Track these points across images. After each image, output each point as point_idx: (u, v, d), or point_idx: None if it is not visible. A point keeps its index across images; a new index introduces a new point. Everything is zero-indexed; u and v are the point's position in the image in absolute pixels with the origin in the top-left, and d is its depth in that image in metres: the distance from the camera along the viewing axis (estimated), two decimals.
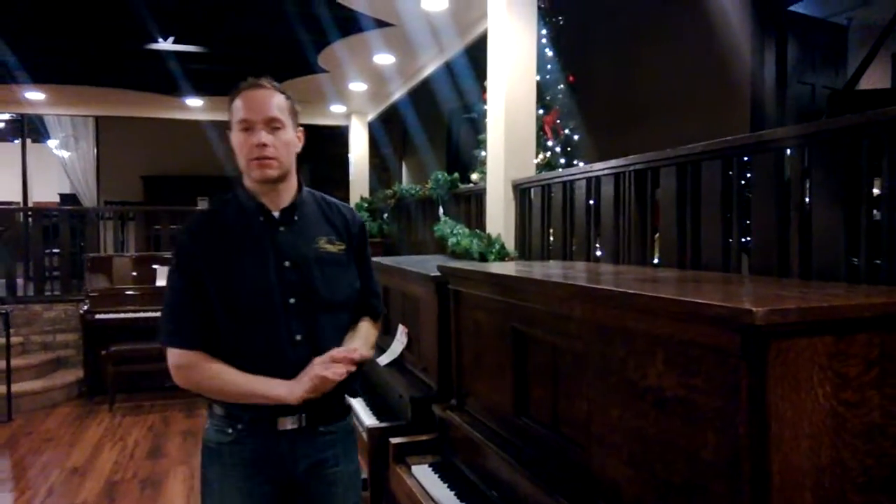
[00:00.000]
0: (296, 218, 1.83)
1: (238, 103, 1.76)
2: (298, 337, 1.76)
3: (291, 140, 1.80)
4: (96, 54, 7.09)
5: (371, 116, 9.47)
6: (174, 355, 1.74)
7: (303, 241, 1.81)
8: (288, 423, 1.76)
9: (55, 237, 8.14)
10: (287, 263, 1.76)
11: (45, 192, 12.12)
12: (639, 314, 1.43)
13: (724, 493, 1.24)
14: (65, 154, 11.31)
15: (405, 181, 11.62)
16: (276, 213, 1.80)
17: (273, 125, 1.75)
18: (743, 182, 2.34)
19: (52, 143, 11.53)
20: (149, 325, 6.57)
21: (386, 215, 7.73)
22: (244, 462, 1.75)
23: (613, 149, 4.26)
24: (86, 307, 6.67)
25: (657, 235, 2.79)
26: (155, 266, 7.16)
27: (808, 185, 2.09)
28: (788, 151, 2.14)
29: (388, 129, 11.25)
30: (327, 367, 1.71)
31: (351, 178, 9.44)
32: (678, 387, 1.35)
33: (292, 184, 1.85)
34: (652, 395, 1.43)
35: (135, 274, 7.11)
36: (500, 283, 2.24)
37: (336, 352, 1.76)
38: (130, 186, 12.28)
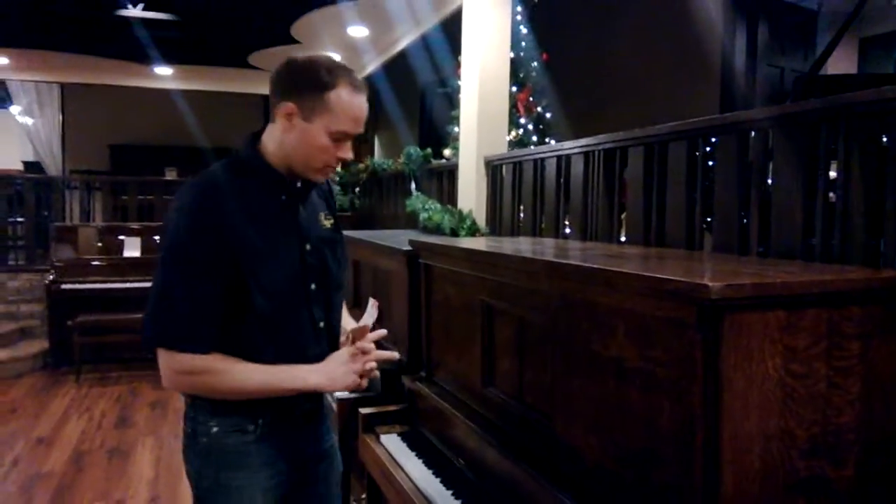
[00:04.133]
0: (309, 196, 1.68)
1: (344, 107, 1.53)
2: (321, 324, 1.66)
3: None
4: (63, 19, 6.91)
5: None
6: (184, 360, 1.47)
7: (314, 220, 1.69)
8: (307, 405, 1.69)
9: (20, 206, 7.98)
10: (308, 246, 1.63)
11: (8, 159, 11.83)
12: (602, 288, 1.48)
13: (679, 459, 1.31)
14: (28, 121, 11.04)
15: (378, 155, 11.57)
16: (298, 185, 1.64)
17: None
18: (710, 163, 2.40)
19: (14, 110, 11.24)
20: (116, 296, 6.51)
21: (358, 189, 7.72)
22: (272, 458, 1.62)
23: (586, 127, 4.31)
24: (51, 277, 6.58)
25: (624, 214, 2.85)
26: (122, 237, 7.07)
27: (770, 167, 2.16)
28: (752, 133, 2.20)
29: None
30: (365, 362, 1.63)
31: None
32: (637, 358, 1.40)
33: None
34: (613, 365, 1.48)
35: (101, 244, 7.02)
36: (471, 257, 2.28)
37: (367, 344, 1.65)
38: (97, 155, 12.05)
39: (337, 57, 7.27)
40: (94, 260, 6.83)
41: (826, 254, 1.91)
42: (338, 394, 2.93)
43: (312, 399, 1.69)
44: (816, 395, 1.31)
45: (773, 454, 1.28)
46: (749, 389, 1.25)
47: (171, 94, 10.17)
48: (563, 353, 1.69)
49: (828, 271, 1.49)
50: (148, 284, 1.57)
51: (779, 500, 1.29)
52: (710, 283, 1.17)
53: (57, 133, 11.15)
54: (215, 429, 1.58)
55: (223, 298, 1.48)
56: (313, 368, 1.59)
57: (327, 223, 1.72)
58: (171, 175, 10.84)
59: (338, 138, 1.55)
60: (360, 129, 1.59)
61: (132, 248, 7.01)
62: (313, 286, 1.64)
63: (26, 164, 11.95)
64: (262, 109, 12.63)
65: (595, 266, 1.49)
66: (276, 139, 1.58)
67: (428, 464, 2.24)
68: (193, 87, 9.71)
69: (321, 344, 1.67)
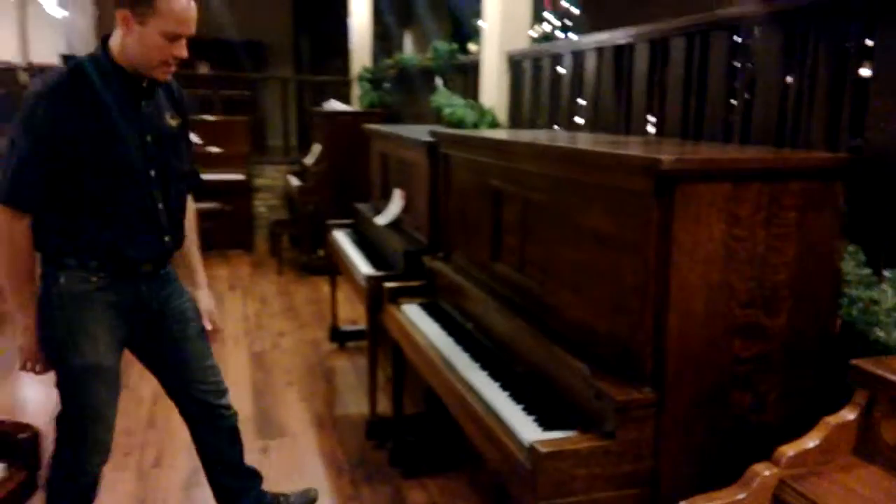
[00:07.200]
0: (154, 95, 2.00)
1: (171, 11, 1.81)
2: (160, 206, 2.00)
3: None
4: None
5: None
6: (7, 215, 1.82)
7: (158, 116, 1.99)
8: (146, 269, 2.04)
9: None
10: (149, 138, 1.94)
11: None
12: (582, 167, 1.72)
13: (637, 308, 1.59)
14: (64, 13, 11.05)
15: (408, 51, 11.53)
16: (143, 84, 1.94)
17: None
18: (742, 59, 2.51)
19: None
20: None
21: (387, 85, 7.83)
22: (112, 304, 1.98)
23: (619, 22, 4.38)
24: None
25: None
26: None
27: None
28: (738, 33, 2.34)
29: None
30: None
31: (351, 46, 9.36)
32: (610, 225, 1.67)
33: None
34: (592, 234, 1.75)
35: None
36: (483, 144, 2.52)
37: None
38: None
39: None
40: None
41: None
42: (365, 270, 3.28)
43: (152, 262, 2.04)
44: (755, 255, 1.57)
45: (715, 302, 1.56)
46: (695, 248, 1.51)
47: None
48: (556, 227, 1.96)
49: (766, 152, 1.71)
50: None
51: (718, 339, 1.58)
52: (662, 157, 1.41)
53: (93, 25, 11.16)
54: (63, 279, 1.92)
55: (50, 174, 1.81)
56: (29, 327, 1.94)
57: (173, 122, 2.04)
58: None
59: (171, 38, 1.84)
60: (191, 30, 1.88)
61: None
62: (153, 172, 1.96)
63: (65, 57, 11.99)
64: None
65: (577, 147, 1.73)
66: (119, 43, 1.88)
67: (443, 327, 2.57)
68: None
69: (160, 222, 2.00)
